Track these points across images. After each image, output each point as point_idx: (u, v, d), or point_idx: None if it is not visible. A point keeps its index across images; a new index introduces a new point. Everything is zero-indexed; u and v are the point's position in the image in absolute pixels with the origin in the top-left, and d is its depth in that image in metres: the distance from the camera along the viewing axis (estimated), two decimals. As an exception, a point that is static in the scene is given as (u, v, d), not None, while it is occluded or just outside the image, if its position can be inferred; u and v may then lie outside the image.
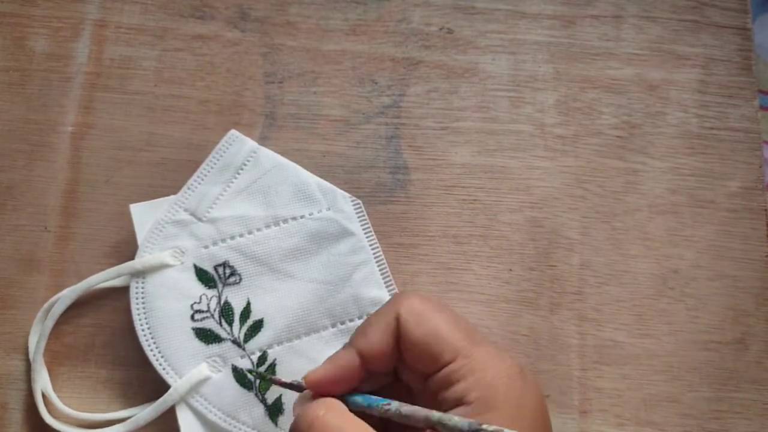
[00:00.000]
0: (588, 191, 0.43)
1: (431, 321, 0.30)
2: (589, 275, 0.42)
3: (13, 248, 0.41)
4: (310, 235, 0.40)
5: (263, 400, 0.38)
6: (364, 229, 0.40)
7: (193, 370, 0.37)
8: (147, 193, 0.42)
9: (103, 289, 0.40)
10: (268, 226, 0.40)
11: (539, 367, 0.40)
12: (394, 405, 0.29)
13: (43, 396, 0.38)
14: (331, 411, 0.29)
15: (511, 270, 0.42)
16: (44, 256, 0.41)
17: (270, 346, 0.38)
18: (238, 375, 0.38)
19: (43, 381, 0.39)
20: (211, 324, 0.38)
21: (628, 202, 0.43)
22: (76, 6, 0.46)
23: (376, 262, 0.40)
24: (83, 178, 0.43)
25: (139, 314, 0.38)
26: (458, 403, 0.29)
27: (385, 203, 0.43)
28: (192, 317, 0.38)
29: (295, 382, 0.32)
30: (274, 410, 0.37)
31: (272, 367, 0.38)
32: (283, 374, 0.38)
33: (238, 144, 0.41)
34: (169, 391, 0.37)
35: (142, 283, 0.39)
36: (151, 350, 0.38)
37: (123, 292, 0.39)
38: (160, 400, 0.37)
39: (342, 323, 0.39)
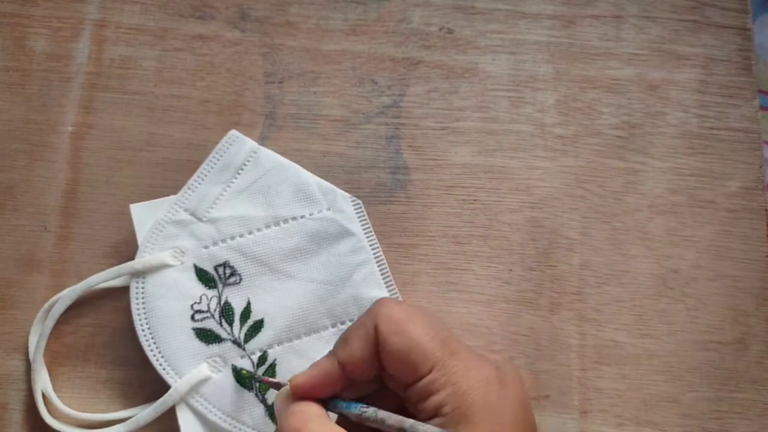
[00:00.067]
0: (588, 191, 0.43)
1: (408, 331, 0.30)
2: (589, 275, 0.42)
3: (13, 248, 0.41)
4: (311, 235, 0.40)
5: (263, 401, 0.38)
6: (364, 229, 0.40)
7: (193, 370, 0.37)
8: (147, 193, 0.42)
9: (103, 289, 0.40)
10: (268, 226, 0.40)
11: (539, 367, 0.40)
12: (371, 410, 0.30)
13: (43, 396, 0.38)
14: (309, 423, 0.29)
15: (511, 270, 0.42)
16: (44, 256, 0.41)
17: (270, 346, 0.38)
18: (238, 375, 0.38)
19: (43, 381, 0.39)
20: (211, 324, 0.38)
21: (628, 202, 0.43)
22: (76, 6, 0.46)
23: (376, 262, 0.40)
24: (83, 178, 0.43)
25: (139, 314, 0.38)
26: (435, 414, 0.29)
27: (385, 203, 0.43)
28: (192, 317, 0.38)
29: (281, 383, 0.33)
30: (274, 410, 0.37)
31: (272, 367, 0.38)
32: (283, 374, 0.38)
33: (238, 144, 0.41)
34: (170, 392, 0.37)
35: (142, 283, 0.39)
36: (151, 350, 0.38)
37: (123, 292, 0.39)
38: (161, 400, 0.37)
39: (342, 323, 0.39)
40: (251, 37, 0.45)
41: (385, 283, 0.39)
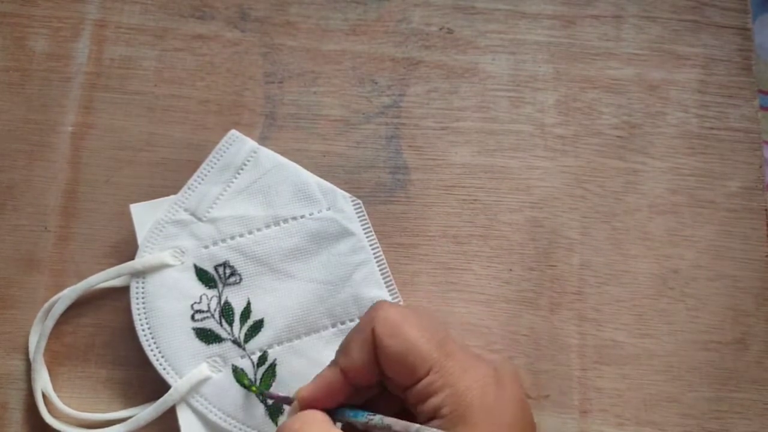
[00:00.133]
0: (588, 191, 0.43)
1: (404, 333, 0.30)
2: (589, 275, 0.42)
3: (13, 248, 0.41)
4: (311, 235, 0.40)
5: (263, 401, 0.38)
6: (364, 229, 0.40)
7: (193, 370, 0.37)
8: (147, 193, 0.42)
9: (103, 289, 0.40)
10: (268, 226, 0.40)
11: (539, 367, 0.40)
12: (377, 417, 0.30)
13: (44, 396, 0.38)
14: (308, 425, 0.29)
15: (511, 270, 0.42)
16: (44, 256, 0.41)
17: (270, 346, 0.38)
18: (239, 375, 0.38)
19: (43, 381, 0.39)
20: (211, 324, 0.38)
21: (628, 202, 0.43)
22: (76, 6, 0.46)
23: (376, 262, 0.40)
24: (83, 178, 0.43)
25: (139, 314, 0.38)
26: (434, 416, 0.29)
27: (385, 203, 0.43)
28: (192, 317, 0.38)
29: (288, 397, 0.33)
30: (275, 410, 0.37)
31: (272, 367, 0.38)
32: (283, 374, 0.38)
33: (238, 144, 0.41)
34: (170, 391, 0.37)
35: (142, 283, 0.39)
36: (152, 350, 0.38)
37: (123, 292, 0.39)
38: (161, 400, 0.37)
39: (342, 323, 0.39)
40: (251, 37, 0.45)
41: (385, 283, 0.39)
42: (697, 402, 0.40)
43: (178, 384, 0.37)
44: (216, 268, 0.39)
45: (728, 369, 0.40)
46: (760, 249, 0.42)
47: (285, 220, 0.40)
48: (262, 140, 0.43)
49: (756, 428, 0.40)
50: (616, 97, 0.45)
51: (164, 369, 0.37)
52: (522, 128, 0.44)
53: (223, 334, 0.38)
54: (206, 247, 0.40)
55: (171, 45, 0.45)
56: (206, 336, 0.38)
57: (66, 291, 0.39)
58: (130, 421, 0.37)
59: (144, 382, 0.39)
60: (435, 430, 0.28)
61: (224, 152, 0.41)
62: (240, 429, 0.37)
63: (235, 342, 0.38)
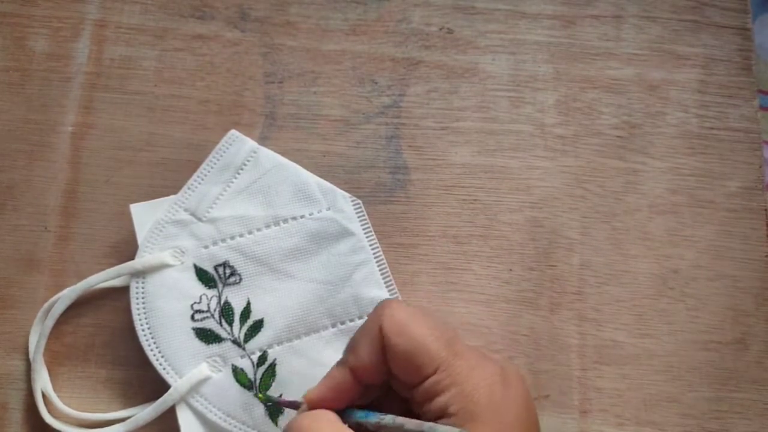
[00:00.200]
0: (588, 191, 0.43)
1: (412, 331, 0.30)
2: (589, 275, 0.42)
3: (13, 248, 0.41)
4: (310, 235, 0.40)
5: (263, 401, 0.38)
6: (364, 229, 0.40)
7: (193, 369, 0.37)
8: (147, 193, 0.42)
9: (103, 289, 0.40)
10: (268, 226, 0.40)
11: (539, 367, 0.40)
12: (388, 417, 0.30)
13: (43, 396, 0.38)
14: (317, 422, 0.29)
15: (511, 270, 0.42)
16: (44, 256, 0.41)
17: (270, 346, 0.38)
18: (239, 375, 0.38)
19: (43, 381, 0.39)
20: (211, 324, 0.38)
21: (628, 202, 0.43)
22: (76, 6, 0.46)
23: (376, 262, 0.40)
24: (83, 178, 0.43)
25: (139, 314, 0.38)
26: (441, 415, 0.29)
27: (385, 203, 0.43)
28: (192, 317, 0.38)
29: (296, 401, 0.33)
30: (275, 410, 0.37)
31: (272, 367, 0.38)
32: (283, 374, 0.38)
33: (238, 144, 0.41)
34: (170, 391, 0.37)
35: (142, 283, 0.39)
36: (151, 350, 0.38)
37: (123, 292, 0.39)
38: (160, 400, 0.37)
39: (342, 323, 0.39)
40: (251, 37, 0.45)
41: (385, 283, 0.39)
42: (697, 402, 0.40)
43: (177, 384, 0.37)
44: (216, 268, 0.39)
45: (728, 369, 0.40)
46: (760, 249, 0.42)
47: (285, 220, 0.40)
48: (262, 140, 0.43)
49: (756, 428, 0.40)
50: (616, 97, 0.45)
51: (164, 369, 0.37)
52: (522, 128, 0.44)
53: (223, 334, 0.38)
54: (206, 247, 0.40)
55: (171, 45, 0.45)
56: (206, 336, 0.38)
57: (66, 291, 0.39)
58: (129, 421, 0.37)
59: (144, 382, 0.39)
60: (449, 427, 0.28)
61: (224, 152, 0.41)
62: (240, 429, 0.37)
63: (235, 342, 0.38)
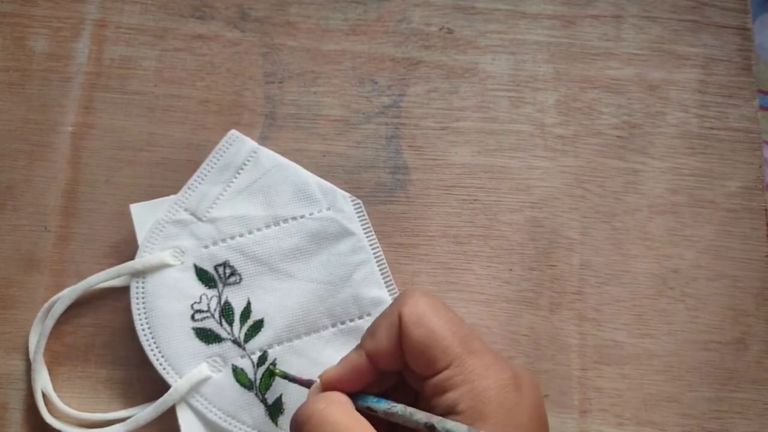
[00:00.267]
0: (588, 191, 0.43)
1: (430, 323, 0.30)
2: (589, 275, 0.42)
3: (13, 248, 0.41)
4: (310, 235, 0.40)
5: (263, 400, 0.38)
6: (364, 229, 0.40)
7: (193, 369, 0.37)
8: (147, 193, 0.42)
9: (103, 289, 0.40)
10: (268, 226, 0.40)
11: (539, 367, 0.40)
12: (399, 406, 0.30)
13: (44, 396, 0.38)
14: (332, 405, 0.29)
15: (511, 270, 0.42)
16: (44, 256, 0.41)
17: (270, 346, 0.38)
18: (239, 375, 0.38)
19: (43, 381, 0.39)
20: (211, 324, 0.38)
21: (628, 202, 0.43)
22: (76, 6, 0.46)
23: (376, 261, 0.40)
24: (83, 178, 0.43)
25: (139, 314, 0.38)
26: (449, 411, 0.29)
27: (385, 203, 0.43)
28: (192, 317, 0.38)
29: (311, 380, 0.33)
30: (275, 410, 0.37)
31: (272, 367, 0.38)
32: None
33: (238, 144, 0.41)
34: (170, 391, 0.37)
35: (143, 283, 0.39)
36: (152, 350, 0.38)
37: (123, 292, 0.39)
38: (161, 399, 0.37)
39: (342, 323, 0.39)
40: (251, 37, 0.45)
41: (385, 283, 0.39)
42: (697, 402, 0.40)
43: (178, 384, 0.37)
44: (216, 268, 0.39)
45: (728, 369, 0.40)
46: (760, 249, 0.42)
47: (285, 220, 0.40)
48: (262, 140, 0.43)
49: (756, 428, 0.40)
50: (616, 97, 0.45)
51: (164, 369, 0.37)
52: (522, 128, 0.44)
53: (223, 334, 0.38)
54: (206, 246, 0.40)
55: (171, 45, 0.45)
56: (206, 336, 0.38)
57: (66, 291, 0.39)
58: (129, 420, 0.37)
59: (144, 382, 0.39)
60: (457, 423, 0.28)
61: (224, 152, 0.41)
62: (240, 429, 0.37)
63: (235, 342, 0.38)
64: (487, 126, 0.44)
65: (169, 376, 0.37)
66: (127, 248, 0.40)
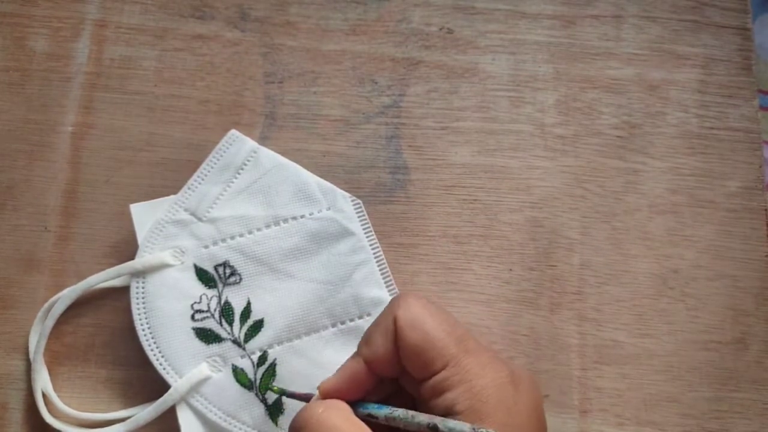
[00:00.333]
0: (588, 191, 0.43)
1: (425, 325, 0.30)
2: (589, 275, 0.42)
3: (13, 248, 0.41)
4: (310, 234, 0.40)
5: (263, 400, 0.38)
6: (364, 229, 0.40)
7: (193, 369, 0.37)
8: (147, 193, 0.42)
9: (103, 289, 0.40)
10: (268, 226, 0.40)
11: (539, 367, 0.40)
12: (400, 410, 0.30)
13: (44, 396, 0.38)
14: (330, 410, 0.29)
15: (511, 270, 0.42)
16: (44, 256, 0.41)
17: (270, 346, 0.38)
18: (239, 375, 0.38)
19: (43, 381, 0.39)
20: (211, 324, 0.38)
21: (628, 202, 0.43)
22: (76, 6, 0.46)
23: (376, 261, 0.40)
24: (83, 178, 0.43)
25: (139, 314, 0.38)
26: (448, 412, 0.29)
27: (385, 203, 0.43)
28: (192, 317, 0.38)
29: (309, 394, 0.33)
30: (275, 410, 0.37)
31: (272, 367, 0.38)
32: (283, 374, 0.38)
33: (238, 144, 0.41)
34: (170, 391, 0.37)
35: (143, 283, 0.39)
36: (152, 350, 0.38)
37: (123, 292, 0.39)
38: (161, 399, 0.37)
39: (342, 323, 0.39)
40: (251, 37, 0.45)
41: (385, 283, 0.39)
42: (697, 402, 0.40)
43: (178, 384, 0.37)
44: (216, 268, 0.39)
45: (728, 369, 0.40)
46: (760, 249, 0.42)
47: (285, 220, 0.40)
48: (262, 140, 0.43)
49: (756, 428, 0.40)
50: (616, 97, 0.45)
51: (164, 369, 0.37)
52: (522, 128, 0.44)
53: (223, 334, 0.38)
54: (206, 246, 0.40)
55: (171, 45, 0.45)
56: (206, 336, 0.38)
57: (66, 291, 0.39)
58: (129, 420, 0.37)
59: (144, 382, 0.39)
60: (459, 422, 0.28)
61: (224, 152, 0.41)
62: (240, 429, 0.37)
63: (235, 342, 0.38)
64: (487, 126, 0.44)
65: (169, 376, 0.37)
66: (127, 248, 0.40)
